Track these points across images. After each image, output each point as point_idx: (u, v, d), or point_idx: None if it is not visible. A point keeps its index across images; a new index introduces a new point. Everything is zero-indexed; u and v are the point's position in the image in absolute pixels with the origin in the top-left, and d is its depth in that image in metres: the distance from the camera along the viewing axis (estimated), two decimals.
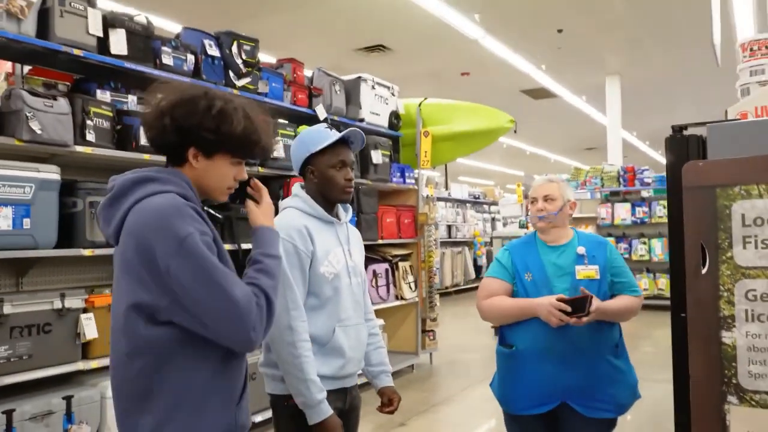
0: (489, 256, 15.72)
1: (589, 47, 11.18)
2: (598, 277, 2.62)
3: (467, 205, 16.15)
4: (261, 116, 1.74)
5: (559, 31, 10.14)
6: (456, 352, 7.99)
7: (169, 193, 1.60)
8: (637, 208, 11.57)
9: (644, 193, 12.06)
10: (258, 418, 4.32)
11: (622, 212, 11.60)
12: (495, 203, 17.43)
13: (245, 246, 1.87)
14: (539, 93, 13.91)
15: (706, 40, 10.35)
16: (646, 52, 11.48)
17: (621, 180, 11.61)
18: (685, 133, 1.83)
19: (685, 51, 11.28)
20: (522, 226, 11.41)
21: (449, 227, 14.51)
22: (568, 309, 2.45)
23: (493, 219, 17.17)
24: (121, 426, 1.62)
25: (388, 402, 2.42)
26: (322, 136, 2.31)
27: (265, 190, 1.87)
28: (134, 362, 1.56)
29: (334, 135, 2.30)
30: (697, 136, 1.82)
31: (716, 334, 1.59)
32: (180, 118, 1.63)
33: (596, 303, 2.48)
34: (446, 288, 13.73)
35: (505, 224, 14.90)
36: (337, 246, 2.31)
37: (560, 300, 2.47)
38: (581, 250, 2.68)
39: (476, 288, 12.32)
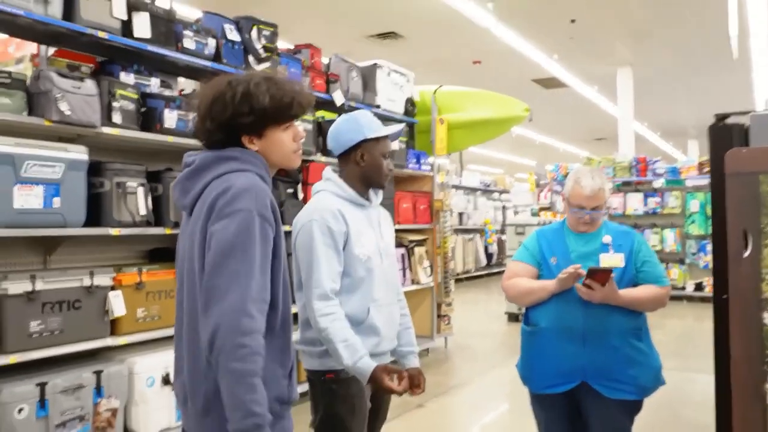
0: (500, 245, 15.75)
1: (602, 37, 11.15)
2: (622, 265, 2.64)
3: (478, 192, 16.17)
4: (283, 78, 1.82)
5: (572, 21, 10.12)
6: (469, 336, 8.05)
7: (250, 172, 1.71)
8: (649, 199, 11.53)
9: (656, 184, 12.04)
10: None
11: (635, 202, 11.57)
12: (506, 191, 17.45)
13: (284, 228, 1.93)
14: (550, 83, 13.89)
15: (718, 31, 10.33)
16: (658, 42, 11.44)
17: (633, 170, 11.59)
18: (727, 122, 1.87)
19: (697, 42, 11.24)
20: (534, 214, 11.46)
21: (460, 215, 14.54)
22: (578, 268, 2.50)
23: (504, 207, 17.18)
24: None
25: (416, 383, 2.44)
26: (377, 123, 2.38)
27: None
28: None
29: (392, 127, 2.40)
30: (740, 125, 1.87)
31: (757, 316, 1.63)
32: (217, 116, 1.73)
33: (613, 286, 2.51)
34: (458, 275, 13.78)
35: (516, 212, 14.94)
36: (368, 228, 2.36)
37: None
38: (607, 239, 2.71)
39: (488, 275, 12.50)
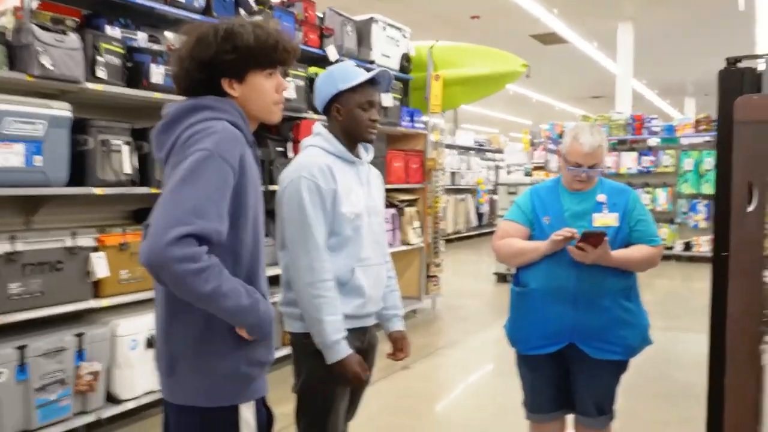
0: (492, 205, 15.71)
1: None
2: (617, 224, 2.60)
3: (472, 152, 16.04)
4: (269, 23, 1.75)
5: None
6: (458, 297, 8.07)
7: (222, 121, 1.63)
8: (644, 158, 11.48)
9: (651, 142, 11.96)
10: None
11: (629, 161, 11.51)
12: (500, 151, 17.31)
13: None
14: (549, 38, 13.64)
15: None
16: None
17: (629, 128, 11.49)
18: (739, 65, 1.76)
19: None
20: (527, 174, 11.38)
21: (453, 174, 14.45)
22: (574, 233, 2.45)
23: (497, 167, 17.07)
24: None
25: (400, 348, 2.44)
26: (351, 73, 2.24)
27: None
28: None
29: (365, 74, 2.24)
30: (752, 70, 1.74)
31: (758, 273, 1.56)
32: (199, 55, 1.66)
33: (606, 248, 2.46)
34: (448, 235, 13.78)
35: (509, 172, 14.86)
36: (358, 186, 2.28)
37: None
38: (601, 197, 2.65)
39: (478, 236, 12.50)
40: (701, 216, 10.94)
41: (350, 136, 2.27)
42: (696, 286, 9.02)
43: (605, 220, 2.61)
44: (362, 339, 2.32)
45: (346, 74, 2.25)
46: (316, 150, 2.25)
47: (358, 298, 2.24)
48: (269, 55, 1.70)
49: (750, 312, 1.58)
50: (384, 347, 2.44)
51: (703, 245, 10.93)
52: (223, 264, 1.55)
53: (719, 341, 1.68)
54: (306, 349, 2.20)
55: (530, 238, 2.69)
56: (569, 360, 2.65)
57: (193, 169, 1.52)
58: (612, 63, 15.46)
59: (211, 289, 1.50)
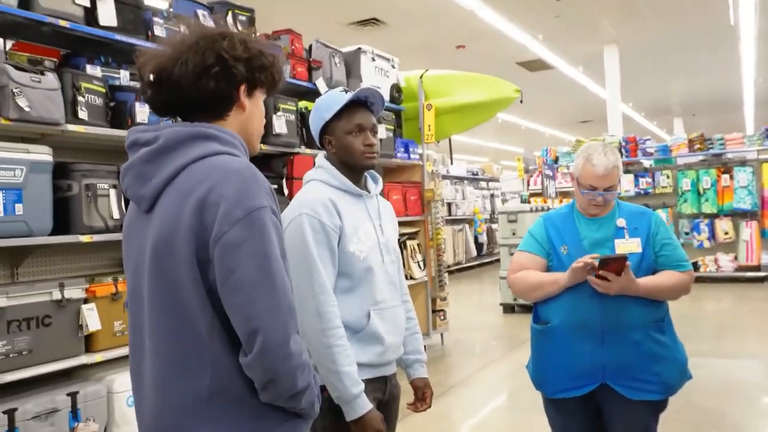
0: (490, 234, 15.55)
1: (588, 14, 10.92)
2: (640, 250, 2.40)
3: (465, 182, 15.95)
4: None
5: None
6: (465, 331, 7.82)
7: (241, 158, 1.37)
8: (641, 179, 11.40)
9: (646, 164, 11.88)
10: None
11: (625, 183, 11.39)
12: (494, 179, 17.24)
13: None
14: (535, 65, 13.68)
15: (704, 4, 10.16)
16: (644, 17, 11.24)
17: (623, 151, 11.41)
18: None
19: (683, 16, 11.04)
20: (524, 201, 11.23)
21: (449, 205, 14.32)
22: (594, 260, 2.26)
23: (492, 195, 16.99)
24: None
25: (422, 397, 2.23)
26: (333, 99, 2.07)
27: None
28: None
29: (341, 99, 2.06)
30: None
31: None
32: (232, 48, 1.40)
33: (630, 275, 2.28)
34: (449, 267, 13.57)
35: (504, 201, 14.74)
36: (366, 221, 2.08)
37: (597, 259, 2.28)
38: (621, 222, 2.45)
39: (479, 266, 12.33)
40: (705, 235, 10.80)
41: (348, 165, 2.09)
42: (707, 308, 8.80)
43: (628, 246, 2.40)
44: (383, 389, 2.11)
45: (328, 102, 2.08)
46: (318, 184, 2.07)
47: (377, 345, 2.04)
48: (277, 78, 1.52)
49: None
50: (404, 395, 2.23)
51: (710, 265, 10.76)
52: None
53: None
54: (321, 405, 1.98)
55: (548, 269, 2.50)
56: (602, 400, 2.43)
57: (265, 237, 1.29)
58: (598, 87, 15.50)
59: (305, 385, 1.35)
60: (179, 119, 1.47)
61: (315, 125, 2.12)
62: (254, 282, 1.26)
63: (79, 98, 3.38)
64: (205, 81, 1.38)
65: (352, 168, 2.09)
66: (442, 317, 6.93)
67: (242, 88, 1.43)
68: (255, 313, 1.25)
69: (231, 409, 1.31)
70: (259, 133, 1.54)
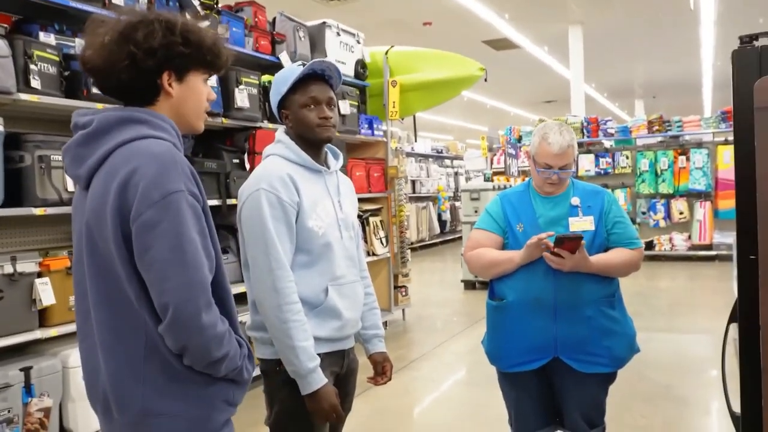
0: (453, 211, 15.64)
1: None
2: (593, 228, 2.46)
3: (430, 159, 15.98)
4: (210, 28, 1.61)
5: None
6: (427, 306, 7.90)
7: (167, 142, 1.44)
8: (601, 159, 11.57)
9: (607, 144, 12.06)
10: None
11: (586, 163, 11.57)
12: (458, 157, 17.29)
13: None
14: (501, 44, 13.68)
15: None
16: None
17: (584, 131, 11.55)
18: (756, 44, 1.58)
19: None
20: (487, 179, 11.31)
21: (413, 182, 14.34)
22: (549, 239, 2.31)
23: (456, 173, 17.06)
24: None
25: (381, 371, 2.25)
26: (289, 73, 2.06)
27: None
28: None
29: (294, 72, 2.04)
30: None
31: None
32: (145, 40, 1.44)
33: (584, 253, 2.33)
34: (412, 244, 13.65)
35: (468, 179, 14.82)
36: (325, 197, 2.08)
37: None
38: (575, 200, 2.51)
39: (442, 243, 12.42)
40: (660, 215, 11.05)
41: (305, 140, 2.07)
42: (661, 285, 9.04)
43: (582, 224, 2.46)
44: (341, 363, 2.13)
45: (284, 76, 2.08)
46: (277, 159, 2.05)
47: (335, 320, 2.04)
48: (215, 60, 1.56)
49: None
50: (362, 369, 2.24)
51: (665, 244, 11.03)
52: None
53: (752, 348, 1.49)
54: (278, 378, 1.99)
55: (504, 246, 2.54)
56: (554, 374, 2.50)
57: (179, 219, 1.37)
58: (563, 67, 15.60)
59: (222, 355, 1.44)
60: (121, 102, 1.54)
61: (273, 99, 2.11)
62: (166, 260, 1.35)
63: (32, 66, 3.28)
64: (117, 73, 1.45)
65: (309, 142, 2.08)
66: (403, 293, 6.98)
67: (164, 76, 1.49)
68: (166, 289, 1.36)
69: (164, 370, 1.43)
70: (197, 113, 1.58)
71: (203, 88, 1.57)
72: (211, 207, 1.66)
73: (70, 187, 3.41)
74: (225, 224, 4.38)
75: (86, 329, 1.50)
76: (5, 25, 3.52)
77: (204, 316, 1.38)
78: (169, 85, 1.50)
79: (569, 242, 2.29)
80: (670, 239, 11.01)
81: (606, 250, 2.48)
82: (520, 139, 11.95)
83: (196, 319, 1.37)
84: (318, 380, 1.91)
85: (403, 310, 7.11)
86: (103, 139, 1.44)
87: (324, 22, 5.94)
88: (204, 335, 1.39)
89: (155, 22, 1.46)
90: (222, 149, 4.65)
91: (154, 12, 1.52)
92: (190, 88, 1.53)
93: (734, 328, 1.86)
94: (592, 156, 11.60)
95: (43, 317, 3.34)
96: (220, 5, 4.75)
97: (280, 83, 2.07)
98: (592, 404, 2.51)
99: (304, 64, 2.07)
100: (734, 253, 1.89)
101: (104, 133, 1.44)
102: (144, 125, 1.45)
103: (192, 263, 1.38)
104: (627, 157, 11.37)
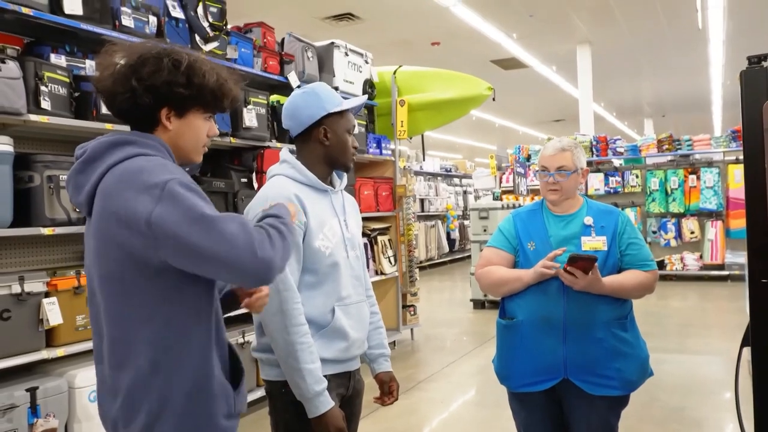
0: (462, 230, 15.61)
1: (561, 14, 10.99)
2: (605, 248, 2.43)
3: (438, 178, 15.99)
4: (224, 67, 1.66)
5: None
6: (436, 326, 7.84)
7: (153, 157, 1.48)
8: (610, 178, 11.53)
9: (616, 163, 12.02)
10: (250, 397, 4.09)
11: (596, 182, 11.53)
12: (467, 176, 17.29)
13: None
14: (509, 63, 13.72)
15: (677, 5, 10.29)
16: (617, 19, 11.34)
17: (594, 150, 11.52)
18: (764, 64, 1.57)
19: (654, 18, 11.17)
20: (496, 198, 11.28)
21: (422, 201, 14.35)
22: (563, 251, 2.31)
23: (465, 192, 17.04)
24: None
25: (388, 391, 2.23)
26: (338, 96, 2.09)
27: None
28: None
29: (355, 100, 2.13)
30: None
31: None
32: (149, 77, 1.50)
33: (597, 274, 2.31)
34: (420, 262, 13.62)
35: (477, 197, 14.79)
36: (332, 217, 2.07)
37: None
38: (588, 220, 2.49)
39: (451, 261, 12.36)
40: (672, 234, 10.97)
41: (333, 162, 2.09)
42: (672, 305, 8.94)
43: (594, 244, 2.44)
44: (347, 385, 2.11)
45: (333, 96, 2.08)
46: (283, 179, 2.05)
47: (341, 341, 2.03)
48: (217, 101, 1.61)
49: None
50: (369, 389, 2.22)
51: (676, 263, 10.94)
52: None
53: (764, 374, 1.46)
54: (284, 400, 1.97)
55: (515, 265, 2.52)
56: (564, 396, 2.46)
57: (180, 199, 1.39)
58: (571, 86, 15.61)
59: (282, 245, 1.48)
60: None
61: (309, 113, 2.05)
62: (193, 233, 1.36)
63: (42, 87, 3.31)
64: (119, 102, 1.52)
65: (336, 164, 2.11)
66: (412, 312, 6.94)
67: (164, 111, 1.54)
68: (217, 252, 1.36)
69: (169, 386, 1.47)
70: (195, 148, 1.62)
71: (203, 125, 1.61)
72: None
73: None
74: None
75: (102, 351, 1.55)
76: (17, 47, 3.57)
77: (258, 251, 1.39)
78: (168, 119, 1.55)
79: (583, 262, 2.27)
80: (682, 259, 10.92)
81: (620, 271, 2.46)
82: (528, 158, 11.93)
83: (255, 257, 1.38)
84: (325, 403, 1.89)
85: (412, 329, 7.07)
86: (96, 164, 1.49)
87: (332, 43, 5.98)
88: (266, 257, 1.40)
89: (165, 58, 1.51)
90: (230, 168, 4.67)
91: (169, 46, 1.57)
92: (189, 124, 1.58)
93: (748, 350, 1.82)
94: (601, 175, 11.56)
95: (50, 337, 3.33)
96: (229, 26, 4.80)
97: (327, 101, 2.05)
98: (602, 428, 2.46)
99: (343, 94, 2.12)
100: (746, 273, 1.87)
101: (97, 158, 1.50)
102: (132, 146, 1.50)
103: (215, 218, 1.39)
104: (637, 176, 11.33)
